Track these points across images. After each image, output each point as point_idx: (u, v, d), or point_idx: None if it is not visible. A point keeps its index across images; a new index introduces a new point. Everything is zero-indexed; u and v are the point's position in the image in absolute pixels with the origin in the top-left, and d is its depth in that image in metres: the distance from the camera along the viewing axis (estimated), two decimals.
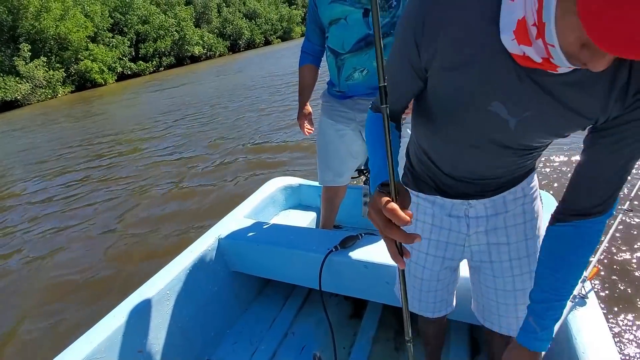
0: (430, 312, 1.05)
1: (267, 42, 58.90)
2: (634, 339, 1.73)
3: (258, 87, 13.12)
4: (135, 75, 38.52)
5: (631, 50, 0.30)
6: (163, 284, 1.52)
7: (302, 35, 65.85)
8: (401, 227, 0.55)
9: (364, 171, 1.92)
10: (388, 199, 0.56)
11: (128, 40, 39.21)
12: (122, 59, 37.86)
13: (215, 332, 1.76)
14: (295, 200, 2.43)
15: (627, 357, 1.65)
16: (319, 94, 1.83)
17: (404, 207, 0.56)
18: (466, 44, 0.56)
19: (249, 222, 1.87)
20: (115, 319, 1.35)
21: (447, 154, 0.78)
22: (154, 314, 1.45)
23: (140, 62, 39.87)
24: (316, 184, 2.27)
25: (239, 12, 55.29)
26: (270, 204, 2.26)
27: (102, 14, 37.27)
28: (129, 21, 39.88)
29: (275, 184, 2.37)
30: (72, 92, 32.54)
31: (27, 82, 29.43)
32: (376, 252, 1.42)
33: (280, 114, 8.13)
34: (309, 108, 1.89)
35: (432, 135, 0.76)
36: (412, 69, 0.66)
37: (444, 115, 0.69)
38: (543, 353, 0.72)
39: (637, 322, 1.84)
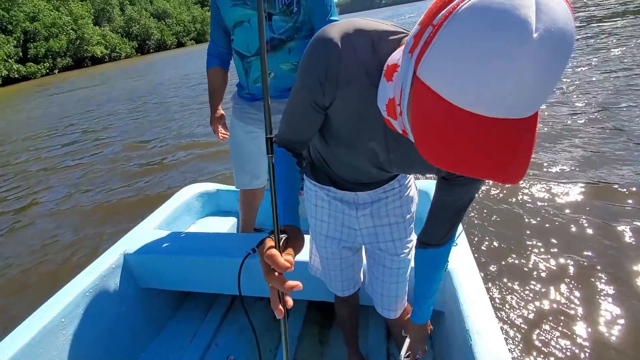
0: (340, 290, 1.17)
1: (180, 44, 55.79)
2: (502, 287, 1.96)
3: (173, 88, 12.34)
4: (25, 78, 33.50)
5: (448, 167, 0.39)
6: (56, 311, 1.34)
7: None
8: (282, 274, 0.56)
9: None
10: (272, 244, 0.56)
11: (14, 39, 33.90)
12: (8, 61, 32.61)
13: (127, 357, 1.59)
14: (213, 206, 2.31)
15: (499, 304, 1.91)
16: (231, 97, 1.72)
17: (289, 253, 0.58)
18: (356, 98, 0.65)
19: (160, 234, 1.72)
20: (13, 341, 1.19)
21: (339, 165, 0.89)
22: (45, 349, 1.28)
23: (31, 63, 34.79)
24: (232, 187, 2.18)
25: (146, 11, 51.38)
26: (185, 213, 2.12)
27: None
28: (14, 18, 34.44)
29: (191, 191, 2.22)
30: None
31: None
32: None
33: (196, 117, 7.68)
34: (221, 111, 1.81)
35: (327, 150, 0.85)
36: (315, 106, 0.70)
37: (337, 141, 0.78)
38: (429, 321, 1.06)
39: (506, 273, 2.09)
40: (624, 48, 6.76)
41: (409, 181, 1.03)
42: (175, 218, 2.02)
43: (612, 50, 6.80)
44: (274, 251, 0.55)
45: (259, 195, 1.88)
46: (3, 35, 33.22)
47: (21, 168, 6.36)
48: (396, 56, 0.56)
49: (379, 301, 1.13)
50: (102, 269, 1.53)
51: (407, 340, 1.11)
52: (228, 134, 1.80)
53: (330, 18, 1.40)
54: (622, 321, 1.67)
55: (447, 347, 1.33)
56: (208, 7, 55.72)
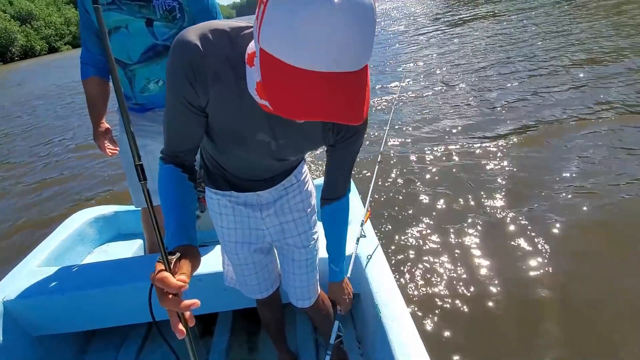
0: (258, 293, 1.17)
1: (53, 49, 48.57)
2: (404, 257, 2.21)
3: (43, 101, 10.66)
4: None
5: (307, 118, 0.47)
6: None
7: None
8: (178, 295, 0.55)
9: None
10: (162, 268, 0.56)
11: None
12: None
13: None
14: (114, 231, 2.09)
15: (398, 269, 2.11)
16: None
17: (184, 272, 0.58)
18: (229, 92, 0.67)
19: (47, 271, 1.52)
20: None
21: (232, 163, 0.90)
22: None
23: None
24: (131, 207, 1.99)
25: (4, 12, 43.45)
26: (78, 243, 1.89)
27: None
28: None
29: (82, 218, 1.98)
30: None
31: None
32: (207, 263, 1.34)
33: (76, 132, 6.68)
34: (105, 125, 1.61)
35: (217, 151, 0.86)
36: (192, 107, 0.70)
37: (224, 140, 0.79)
38: (346, 278, 1.17)
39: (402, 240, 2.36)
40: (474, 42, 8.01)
41: (306, 176, 1.08)
42: (66, 251, 1.79)
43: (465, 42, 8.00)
44: (164, 273, 0.54)
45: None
46: None
47: None
48: (253, 45, 0.58)
49: (292, 294, 1.16)
50: None
51: (336, 324, 1.15)
52: (117, 149, 1.63)
53: None
54: (497, 275, 1.99)
55: (365, 323, 1.40)
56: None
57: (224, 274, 1.24)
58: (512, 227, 2.28)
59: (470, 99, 4.65)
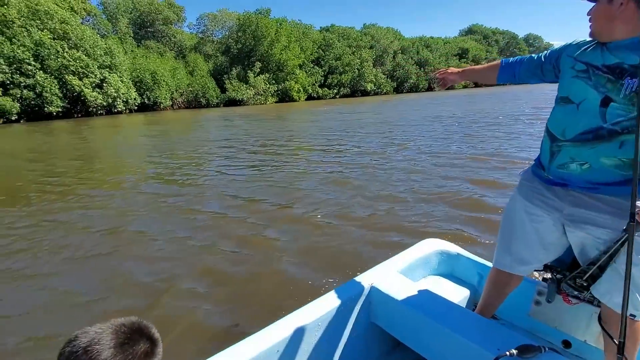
0: None
1: (430, 89, 61.84)
2: None
3: (422, 123, 14.38)
4: (318, 98, 46.27)
5: None
6: (314, 317, 1.43)
7: (464, 86, 66.55)
8: None
9: (553, 268, 1.52)
10: None
11: (322, 71, 47.56)
12: (314, 85, 46.14)
13: None
14: (448, 268, 2.11)
15: None
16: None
17: None
18: None
19: (400, 278, 1.69)
20: (269, 336, 1.32)
21: None
22: (304, 343, 1.40)
23: (325, 88, 47.78)
24: (478, 258, 2.01)
25: (412, 59, 59.97)
26: (421, 265, 2.02)
27: (311, 50, 46.47)
28: (326, 57, 48.29)
29: (431, 245, 2.09)
30: (275, 102, 41.51)
31: (252, 89, 39.22)
32: None
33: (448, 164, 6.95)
34: (459, 71, 1.70)
35: None
36: None
37: None
38: None
39: None
40: None
41: None
42: (414, 267, 1.95)
43: None
44: None
45: (515, 282, 1.60)
46: (317, 67, 47.02)
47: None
48: None
49: None
50: (351, 294, 1.58)
51: None
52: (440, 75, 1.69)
53: None
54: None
55: None
56: (465, 60, 59.02)
57: None
58: None
59: None
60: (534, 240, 1.42)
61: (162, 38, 44.67)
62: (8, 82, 24.75)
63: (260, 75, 40.45)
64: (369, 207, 4.69)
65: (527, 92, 33.77)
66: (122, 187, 6.48)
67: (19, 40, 25.28)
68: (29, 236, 4.19)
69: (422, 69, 60.75)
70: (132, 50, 36.17)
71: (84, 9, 35.04)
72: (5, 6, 25.86)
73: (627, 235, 1.10)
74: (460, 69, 1.70)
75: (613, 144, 1.15)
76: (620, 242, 1.17)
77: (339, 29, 55.20)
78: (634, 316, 1.23)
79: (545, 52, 1.43)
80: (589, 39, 1.28)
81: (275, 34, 41.18)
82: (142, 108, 33.55)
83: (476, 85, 71.79)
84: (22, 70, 25.29)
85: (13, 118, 25.12)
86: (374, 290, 1.63)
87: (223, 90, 39.27)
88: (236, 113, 27.52)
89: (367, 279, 1.68)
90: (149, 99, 33.71)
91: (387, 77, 56.40)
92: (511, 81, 1.55)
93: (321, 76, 47.34)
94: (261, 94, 40.23)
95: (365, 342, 1.68)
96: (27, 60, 25.32)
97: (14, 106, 24.78)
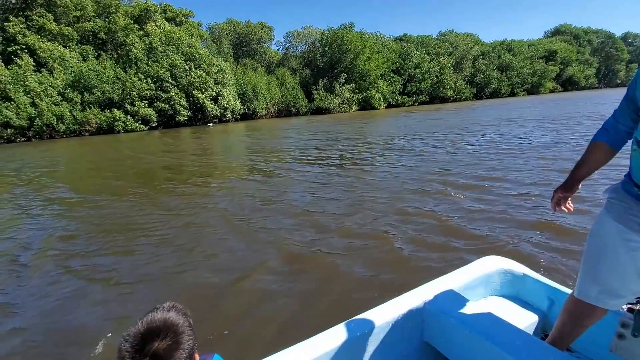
0: None
1: (512, 94, 59.40)
2: None
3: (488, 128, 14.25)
4: (397, 105, 47.58)
5: None
6: (364, 329, 1.38)
7: (551, 91, 62.57)
8: None
9: None
10: None
11: (402, 79, 48.96)
12: (394, 93, 47.74)
13: None
14: (513, 290, 1.87)
15: None
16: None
17: None
18: None
19: (456, 297, 1.54)
20: (317, 345, 1.30)
21: None
22: (351, 355, 1.36)
23: (405, 96, 48.90)
24: (547, 280, 1.77)
25: (493, 64, 58.37)
26: (481, 284, 1.80)
27: (392, 59, 48.39)
28: (406, 65, 49.59)
29: (493, 263, 1.87)
30: (357, 110, 43.97)
31: (338, 98, 42.29)
32: None
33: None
34: (579, 187, 1.42)
35: None
36: None
37: None
38: None
39: None
40: None
41: None
42: (472, 286, 1.77)
43: None
44: None
45: (599, 314, 1.36)
46: (397, 76, 48.49)
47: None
48: None
49: None
50: (403, 309, 1.48)
51: None
52: (567, 209, 1.46)
53: None
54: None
55: None
56: (553, 62, 55.71)
57: None
58: None
59: None
60: (630, 271, 1.22)
61: (255, 55, 50.14)
62: (154, 97, 30.68)
63: (345, 86, 43.33)
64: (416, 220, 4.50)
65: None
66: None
67: (160, 62, 31.23)
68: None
69: (504, 73, 58.78)
70: (232, 68, 41.49)
71: (199, 35, 41.39)
72: (151, 36, 32.22)
73: None
74: (560, 186, 1.45)
75: None
76: None
77: (417, 37, 56.15)
78: None
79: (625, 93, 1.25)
80: None
81: (361, 47, 43.79)
82: (244, 117, 38.34)
83: (565, 89, 66.89)
84: (163, 87, 31.15)
85: (153, 125, 30.99)
86: (428, 307, 1.51)
87: (310, 99, 42.86)
88: (323, 120, 29.77)
89: (421, 294, 1.58)
90: (249, 108, 38.39)
91: (467, 83, 55.68)
92: (625, 139, 1.31)
93: (400, 84, 48.60)
94: (345, 103, 43.03)
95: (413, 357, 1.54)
96: (167, 79, 31.12)
97: (154, 115, 30.68)
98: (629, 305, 1.36)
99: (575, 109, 21.10)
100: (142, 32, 33.70)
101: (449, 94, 51.79)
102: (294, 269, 3.40)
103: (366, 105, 44.63)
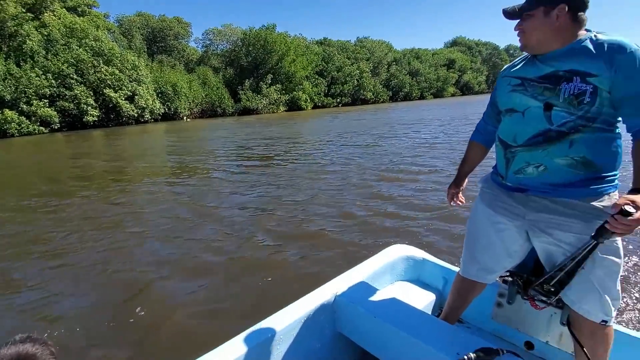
0: None
1: (422, 97, 65.55)
2: None
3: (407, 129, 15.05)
4: (323, 106, 48.98)
5: None
6: (275, 329, 1.38)
7: (452, 95, 70.74)
8: None
9: (516, 274, 1.46)
10: None
11: (326, 81, 50.52)
12: (319, 94, 49.04)
13: None
14: (414, 274, 2.04)
15: None
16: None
17: None
18: None
19: (365, 287, 1.64)
20: (230, 350, 1.29)
21: None
22: (266, 356, 1.35)
23: (329, 98, 50.60)
24: (442, 262, 1.97)
25: (404, 70, 63.76)
26: (387, 271, 1.94)
27: (316, 62, 49.57)
28: (329, 68, 51.32)
29: (397, 251, 2.02)
30: (285, 110, 44.13)
31: (266, 99, 41.89)
32: None
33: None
34: (465, 182, 1.65)
35: None
36: None
37: None
38: None
39: None
40: None
41: None
42: (379, 275, 1.89)
43: None
44: None
45: (479, 289, 1.57)
46: (321, 78, 49.98)
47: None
48: None
49: None
50: (316, 303, 1.52)
51: None
52: (459, 203, 1.67)
53: None
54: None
55: None
56: (452, 70, 63.32)
57: None
58: None
59: None
60: (500, 249, 1.39)
61: (172, 52, 46.95)
62: (55, 95, 26.66)
63: (272, 86, 43.13)
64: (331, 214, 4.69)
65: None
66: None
67: (61, 56, 27.30)
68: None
69: (414, 78, 64.60)
70: (147, 64, 38.31)
71: (106, 27, 37.15)
72: (48, 27, 27.94)
73: (595, 242, 1.10)
74: (452, 183, 1.67)
75: (563, 144, 1.16)
76: (587, 249, 1.14)
77: (337, 42, 58.48)
78: (606, 322, 1.22)
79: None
80: (517, 58, 1.35)
81: (285, 49, 43.99)
82: (164, 117, 35.66)
83: (463, 93, 76.24)
84: (66, 84, 27.25)
85: (56, 127, 26.97)
86: (338, 299, 1.57)
87: (236, 100, 41.71)
88: (253, 121, 29.34)
89: (332, 288, 1.62)
90: (169, 108, 35.83)
91: (384, 87, 59.87)
92: (494, 137, 1.45)
93: (325, 86, 50.13)
94: (273, 103, 42.86)
95: (332, 353, 1.61)
96: (71, 75, 27.31)
97: (56, 116, 26.70)
98: (503, 278, 1.54)
99: (473, 110, 24.11)
100: (37, 23, 29.06)
101: (369, 97, 55.10)
102: (198, 278, 3.20)
103: (293, 106, 45.07)
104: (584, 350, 1.26)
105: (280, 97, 43.52)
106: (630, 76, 1.07)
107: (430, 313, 1.87)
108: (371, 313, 1.44)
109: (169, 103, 35.53)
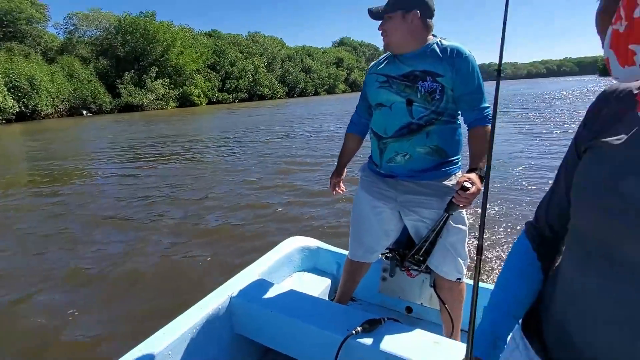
0: None
1: (316, 93, 68.15)
2: None
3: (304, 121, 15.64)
4: (219, 102, 46.87)
5: None
6: (166, 343, 1.30)
7: (343, 91, 75.29)
8: None
9: (394, 250, 1.63)
10: None
11: (220, 76, 48.34)
12: (213, 89, 46.71)
13: None
14: (311, 263, 2.11)
15: None
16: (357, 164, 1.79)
17: None
18: (620, 143, 0.45)
19: (261, 283, 1.62)
20: None
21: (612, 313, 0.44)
22: None
23: (225, 93, 48.68)
24: (335, 249, 2.10)
25: (298, 67, 65.27)
26: (285, 264, 1.98)
27: (207, 55, 46.90)
28: (221, 62, 49.22)
29: (293, 243, 2.08)
30: (176, 107, 40.80)
31: (152, 94, 37.95)
32: (399, 343, 1.21)
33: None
34: (344, 172, 1.76)
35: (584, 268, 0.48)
36: (575, 148, 0.53)
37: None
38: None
39: None
40: None
41: None
42: (277, 268, 1.92)
43: None
44: None
45: (365, 268, 1.71)
46: (214, 73, 47.71)
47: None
48: None
49: None
50: (211, 307, 1.48)
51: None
52: (340, 191, 1.77)
53: (482, 106, 1.34)
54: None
55: None
56: (341, 68, 67.60)
57: None
58: None
59: None
60: (379, 231, 1.55)
61: (24, 39, 38.87)
62: None
63: (158, 80, 39.32)
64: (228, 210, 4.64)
65: None
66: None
67: None
68: None
69: (308, 75, 66.66)
70: None
71: None
72: None
73: (447, 215, 1.35)
74: (333, 173, 1.75)
75: (422, 135, 1.36)
76: (443, 221, 1.37)
77: (228, 35, 56.47)
78: (459, 279, 1.47)
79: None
80: (381, 57, 1.50)
81: (171, 39, 40.49)
82: (20, 117, 29.45)
83: (352, 90, 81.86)
84: None
85: None
86: (234, 300, 1.53)
87: (114, 95, 36.89)
88: (136, 117, 26.57)
89: (227, 289, 1.58)
90: (26, 106, 29.76)
91: (279, 83, 60.27)
92: (367, 129, 1.61)
93: (219, 81, 48.01)
94: (161, 99, 39.14)
95: (231, 356, 1.57)
96: None
97: None
98: (385, 255, 1.68)
99: None
100: None
101: (265, 92, 54.84)
102: (80, 293, 2.90)
103: (185, 101, 42.01)
104: (445, 306, 1.49)
105: (169, 92, 40.07)
106: (465, 77, 1.30)
107: (327, 298, 1.96)
108: (267, 308, 1.45)
109: (25, 100, 29.44)
